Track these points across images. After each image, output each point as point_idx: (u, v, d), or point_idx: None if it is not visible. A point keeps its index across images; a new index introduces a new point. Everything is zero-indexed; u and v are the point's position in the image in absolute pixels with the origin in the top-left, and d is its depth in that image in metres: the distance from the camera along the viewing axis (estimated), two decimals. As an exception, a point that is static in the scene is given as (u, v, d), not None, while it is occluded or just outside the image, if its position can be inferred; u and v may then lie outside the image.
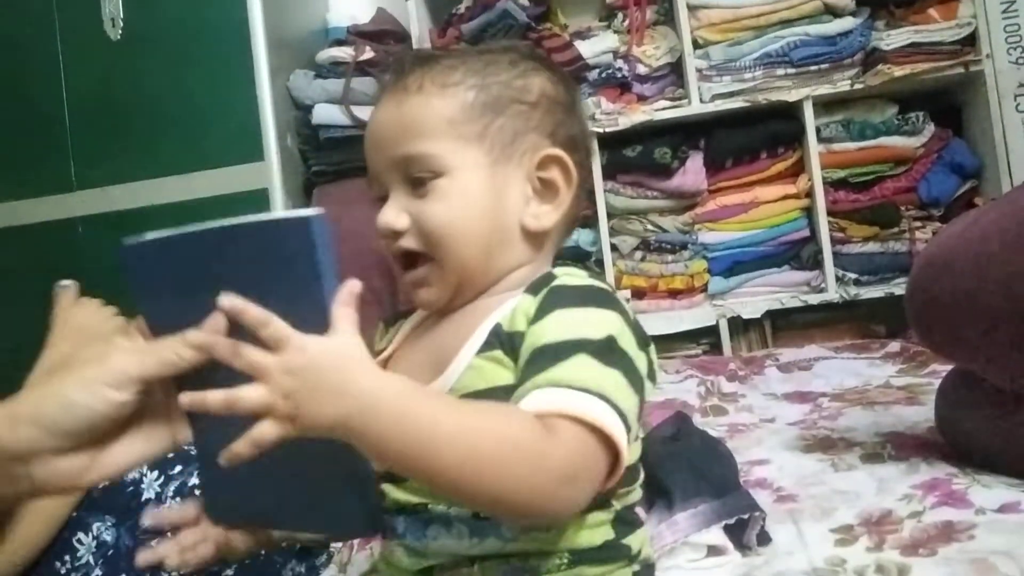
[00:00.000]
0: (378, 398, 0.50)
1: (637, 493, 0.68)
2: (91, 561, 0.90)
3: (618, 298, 0.63)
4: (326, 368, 0.49)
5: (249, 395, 0.49)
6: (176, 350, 0.55)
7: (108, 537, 0.92)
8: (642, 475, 0.69)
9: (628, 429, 0.55)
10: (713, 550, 0.88)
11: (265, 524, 0.65)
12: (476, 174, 0.64)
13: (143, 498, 0.94)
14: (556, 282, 0.62)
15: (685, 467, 0.98)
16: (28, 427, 0.54)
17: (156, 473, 0.96)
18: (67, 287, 0.99)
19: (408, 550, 0.64)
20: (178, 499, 0.93)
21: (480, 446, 0.51)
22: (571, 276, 0.63)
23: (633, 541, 0.65)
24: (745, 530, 0.90)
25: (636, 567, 0.66)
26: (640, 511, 0.95)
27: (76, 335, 0.93)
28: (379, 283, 1.74)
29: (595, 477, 0.55)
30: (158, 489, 0.94)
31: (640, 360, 0.60)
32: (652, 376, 0.64)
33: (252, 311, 0.51)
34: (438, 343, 0.66)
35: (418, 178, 0.64)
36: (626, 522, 0.65)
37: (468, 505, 0.59)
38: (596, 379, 0.55)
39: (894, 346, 1.84)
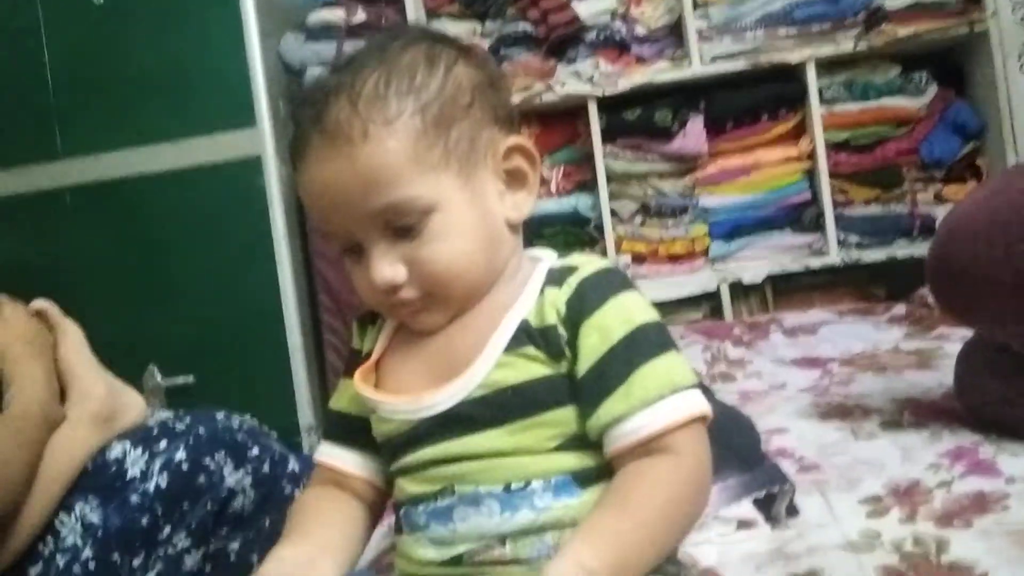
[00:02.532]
0: None
1: None
2: (78, 543, 0.88)
3: (620, 271, 0.66)
4: None
5: None
6: None
7: (95, 518, 0.90)
8: None
9: (699, 387, 0.60)
10: (744, 524, 0.87)
11: None
12: (458, 197, 0.62)
13: (128, 476, 0.92)
14: (584, 272, 0.62)
15: (711, 439, 0.97)
16: None
17: (140, 450, 0.94)
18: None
19: (433, 541, 0.62)
20: (165, 474, 0.91)
21: (670, 523, 0.57)
22: (588, 263, 0.64)
23: None
24: (774, 503, 0.89)
25: None
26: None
27: (18, 346, 0.93)
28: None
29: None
30: (143, 467, 0.93)
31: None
32: None
33: None
34: (445, 345, 0.64)
35: (403, 223, 0.60)
36: None
37: None
38: (668, 375, 0.59)
39: (899, 309, 1.83)
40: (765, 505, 0.89)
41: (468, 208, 0.62)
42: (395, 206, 0.60)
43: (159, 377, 1.95)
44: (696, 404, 0.59)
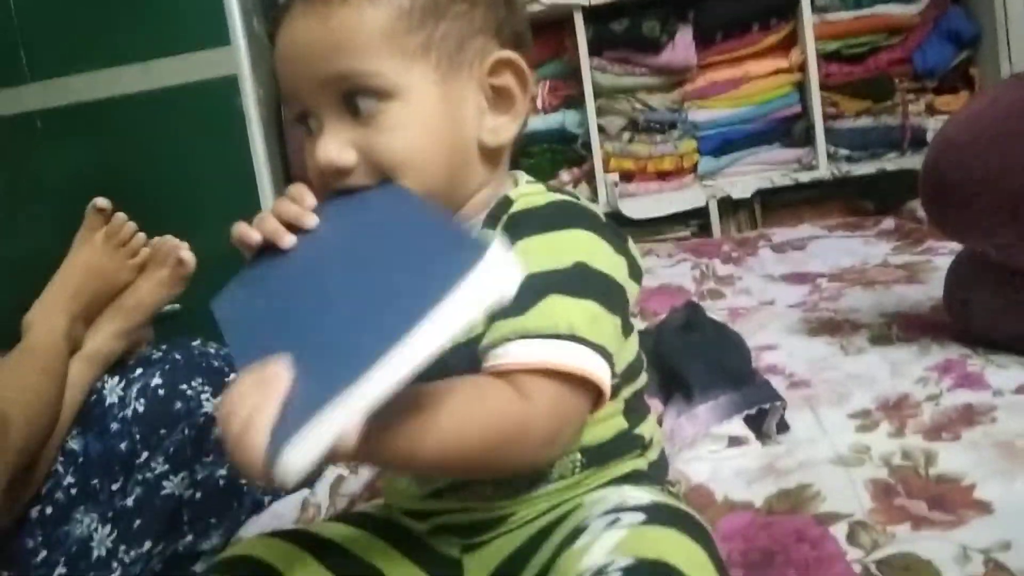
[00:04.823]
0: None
1: (643, 379, 0.67)
2: (60, 470, 0.90)
3: (581, 206, 0.59)
4: None
5: None
6: None
7: (75, 446, 0.91)
8: (644, 362, 0.67)
9: (608, 358, 0.53)
10: (734, 440, 0.88)
11: None
12: (428, 93, 0.56)
13: (107, 403, 0.93)
14: (513, 208, 0.58)
15: (701, 358, 0.98)
16: None
17: (117, 379, 0.95)
18: (99, 208, 0.99)
19: (415, 478, 0.62)
20: (142, 400, 0.92)
21: (464, 442, 0.48)
22: (528, 196, 0.59)
23: (644, 429, 0.64)
24: (764, 419, 0.90)
25: (652, 455, 0.64)
26: (656, 402, 0.95)
27: (86, 273, 0.95)
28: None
29: (578, 421, 0.54)
30: (120, 393, 0.94)
31: (618, 268, 0.57)
32: (636, 275, 0.62)
33: None
34: None
35: (358, 102, 0.55)
36: (636, 410, 0.64)
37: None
38: (568, 318, 0.51)
39: (888, 223, 1.83)
40: (756, 422, 0.89)
41: (436, 108, 0.57)
42: (353, 75, 0.55)
43: (144, 305, 1.93)
44: (576, 360, 0.50)
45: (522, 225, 0.56)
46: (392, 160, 0.56)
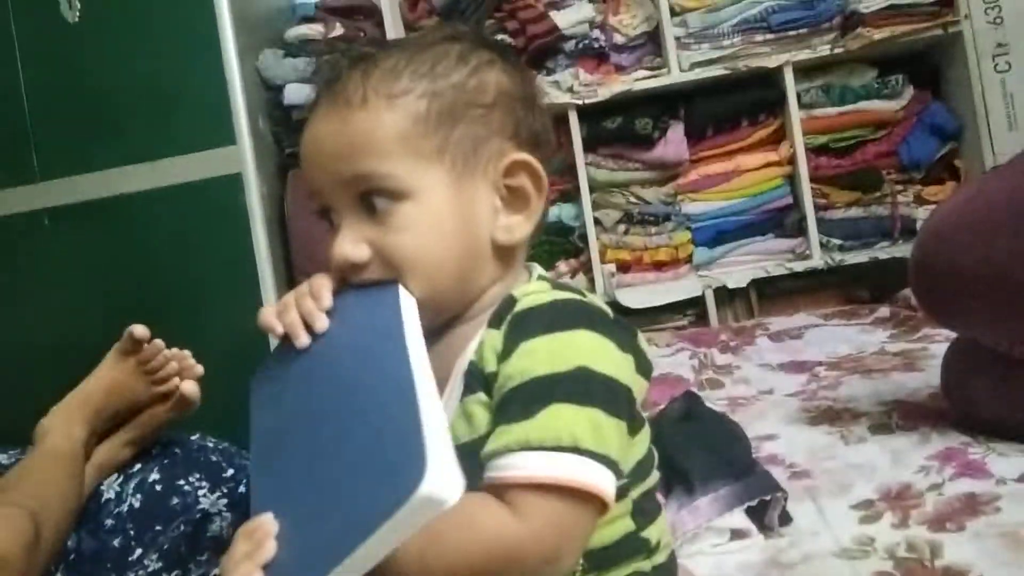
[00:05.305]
0: None
1: (654, 477, 0.65)
2: (51, 567, 0.87)
3: (586, 304, 0.59)
4: None
5: None
6: None
7: (69, 542, 0.89)
8: (656, 459, 0.66)
9: (614, 467, 0.52)
10: (736, 533, 0.87)
11: None
12: (441, 195, 0.58)
13: (103, 499, 0.92)
14: (517, 307, 0.58)
15: (701, 449, 0.97)
16: None
17: (116, 474, 0.95)
18: (136, 333, 1.00)
19: None
20: (139, 496, 0.91)
21: (454, 573, 0.49)
22: (532, 295, 0.59)
23: (652, 532, 0.62)
24: (767, 511, 0.89)
25: (659, 559, 0.63)
26: (659, 496, 0.94)
27: (110, 393, 0.97)
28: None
29: (582, 535, 0.53)
30: (117, 488, 0.93)
31: (624, 367, 0.57)
32: (645, 369, 0.61)
33: None
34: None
35: (374, 201, 0.58)
36: (645, 512, 0.62)
37: None
38: (571, 429, 0.51)
39: (883, 311, 1.84)
40: (758, 514, 0.89)
41: (449, 208, 0.58)
42: (368, 177, 0.57)
43: (142, 399, 1.92)
44: (578, 473, 0.50)
45: (525, 326, 0.56)
46: (403, 260, 0.58)
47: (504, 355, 0.55)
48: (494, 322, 0.58)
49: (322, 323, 0.58)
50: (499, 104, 0.61)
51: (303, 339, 0.58)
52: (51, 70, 1.99)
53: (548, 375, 0.53)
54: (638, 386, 0.59)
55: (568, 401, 0.52)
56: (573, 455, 0.51)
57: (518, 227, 0.61)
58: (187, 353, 1.03)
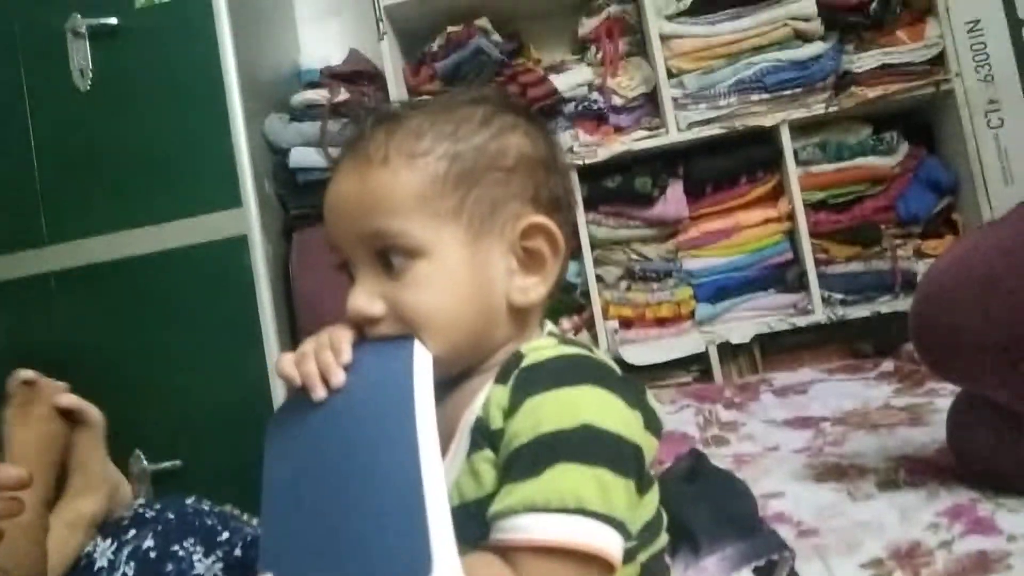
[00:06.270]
0: None
1: (663, 539, 0.65)
2: None
3: (592, 360, 0.59)
4: None
5: None
6: None
7: None
8: (665, 520, 0.66)
9: (621, 528, 0.52)
10: (745, 594, 0.86)
11: None
12: (457, 254, 0.59)
13: (96, 567, 0.90)
14: (524, 363, 0.58)
15: (707, 508, 0.96)
16: None
17: (110, 540, 0.92)
18: (26, 381, 0.94)
19: None
20: (132, 563, 0.89)
21: None
22: (538, 350, 0.59)
23: None
24: (774, 571, 0.87)
25: None
26: (666, 557, 0.93)
27: (37, 448, 0.91)
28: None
29: None
30: (111, 556, 0.91)
31: (631, 424, 0.56)
32: (654, 427, 0.61)
33: None
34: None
35: (391, 257, 0.59)
36: (654, 574, 0.62)
37: None
38: (576, 490, 0.51)
39: (887, 365, 1.84)
40: (765, 574, 0.87)
41: (464, 268, 0.59)
42: (383, 234, 0.59)
43: (145, 462, 1.91)
44: (584, 536, 0.50)
45: (531, 382, 0.56)
46: (416, 316, 0.58)
47: (510, 411, 0.55)
48: (501, 377, 0.58)
49: (338, 379, 0.57)
50: (519, 168, 0.62)
51: (319, 392, 0.57)
52: (62, 136, 2.03)
53: (553, 432, 0.53)
54: (647, 444, 0.59)
55: (573, 460, 0.52)
56: (579, 516, 0.50)
57: (533, 288, 0.62)
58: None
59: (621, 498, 0.53)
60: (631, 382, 0.59)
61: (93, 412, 0.97)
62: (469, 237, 0.59)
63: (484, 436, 0.57)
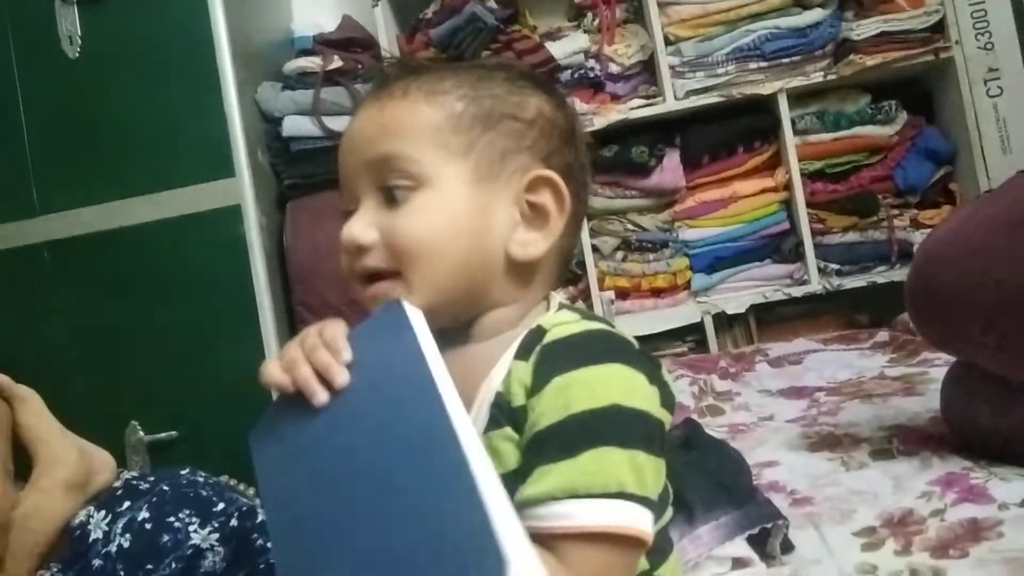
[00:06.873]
0: None
1: (669, 514, 0.64)
2: None
3: (616, 336, 0.58)
4: None
5: None
6: None
7: None
8: (671, 495, 0.66)
9: (653, 507, 0.52)
10: (738, 562, 0.86)
11: None
12: (459, 190, 0.59)
13: (91, 539, 0.89)
14: (547, 339, 0.57)
15: (702, 477, 0.97)
16: None
17: (103, 513, 0.91)
18: None
19: None
20: (128, 535, 0.89)
21: None
22: (561, 326, 0.57)
23: (665, 571, 0.61)
24: (768, 539, 0.88)
25: None
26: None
27: None
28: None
29: None
30: (105, 528, 0.90)
31: (653, 401, 0.56)
32: (669, 403, 0.60)
33: None
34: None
35: (392, 188, 0.58)
36: (659, 549, 0.60)
37: None
38: (616, 474, 0.50)
39: (882, 335, 1.84)
40: (759, 542, 0.88)
41: (463, 205, 0.59)
42: (390, 157, 0.59)
43: (141, 432, 1.91)
44: (626, 519, 0.50)
45: (555, 359, 0.55)
46: (408, 243, 0.58)
47: (534, 390, 0.54)
48: (522, 353, 0.57)
49: (343, 377, 0.53)
50: (537, 125, 0.62)
51: (320, 396, 0.53)
52: (52, 105, 2.00)
53: (584, 412, 0.52)
54: (664, 420, 0.58)
55: (611, 443, 0.51)
56: (620, 501, 0.50)
57: (534, 244, 0.61)
58: None
59: (652, 478, 0.53)
60: (651, 358, 0.59)
61: (20, 387, 0.94)
62: (474, 177, 0.59)
63: (504, 414, 0.56)
